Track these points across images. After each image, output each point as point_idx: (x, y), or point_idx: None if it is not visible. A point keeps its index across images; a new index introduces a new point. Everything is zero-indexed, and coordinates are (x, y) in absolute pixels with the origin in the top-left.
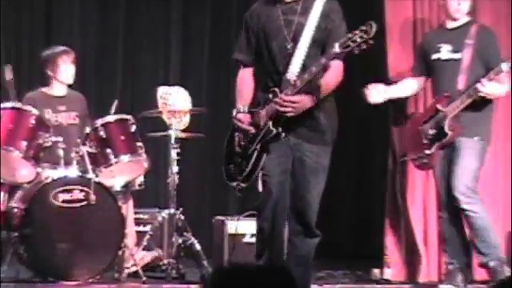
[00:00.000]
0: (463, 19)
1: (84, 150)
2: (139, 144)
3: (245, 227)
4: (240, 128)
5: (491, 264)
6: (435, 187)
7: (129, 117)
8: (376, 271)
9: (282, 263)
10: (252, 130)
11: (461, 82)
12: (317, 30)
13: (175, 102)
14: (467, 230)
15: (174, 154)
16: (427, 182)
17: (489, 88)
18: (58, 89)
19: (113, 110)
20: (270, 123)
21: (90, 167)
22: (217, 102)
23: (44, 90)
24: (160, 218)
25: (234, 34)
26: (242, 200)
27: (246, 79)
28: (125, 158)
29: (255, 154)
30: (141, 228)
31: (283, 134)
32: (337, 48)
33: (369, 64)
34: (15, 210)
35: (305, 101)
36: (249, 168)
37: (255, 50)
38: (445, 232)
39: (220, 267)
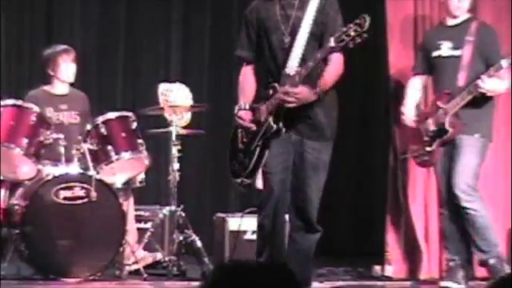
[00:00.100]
0: (463, 16)
1: (85, 147)
2: (140, 141)
3: (246, 224)
4: (242, 125)
5: (491, 262)
6: (436, 184)
7: (130, 114)
8: (377, 268)
9: (282, 260)
10: (253, 126)
11: (461, 79)
12: (314, 23)
13: (176, 99)
14: (467, 228)
15: (174, 151)
16: (428, 179)
17: (489, 84)
18: (59, 87)
19: None
20: (271, 119)
21: (90, 164)
22: (218, 99)
23: (46, 88)
24: (161, 215)
25: (235, 33)
26: (243, 197)
27: (248, 76)
28: (126, 155)
29: (257, 151)
30: (142, 225)
31: (284, 130)
32: (332, 42)
33: (369, 61)
34: (16, 207)
35: (305, 92)
36: (252, 164)
37: (256, 46)
38: (446, 229)
39: (221, 264)
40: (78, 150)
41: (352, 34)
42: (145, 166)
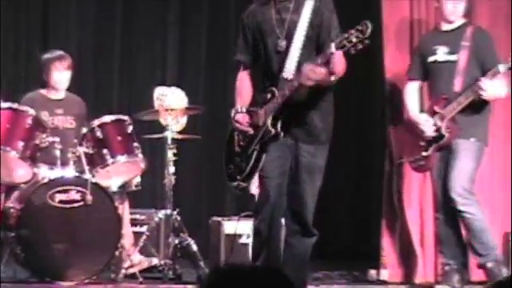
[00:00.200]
0: (459, 21)
1: (81, 150)
2: (136, 144)
3: (241, 228)
4: (239, 129)
5: (489, 265)
6: (432, 188)
7: (125, 117)
8: (372, 272)
9: (278, 264)
10: (250, 130)
11: (457, 84)
12: (309, 26)
13: (171, 103)
14: (463, 232)
15: (170, 154)
16: (424, 183)
17: (490, 88)
18: (55, 92)
19: None
20: (269, 123)
21: (86, 168)
22: (214, 102)
23: (43, 92)
24: (157, 219)
25: (232, 35)
26: (239, 201)
27: (245, 80)
28: (121, 158)
29: (255, 154)
30: (137, 229)
31: (282, 134)
32: (333, 48)
33: (365, 65)
34: (12, 210)
35: (327, 72)
36: (249, 168)
37: (252, 50)
38: (441, 233)
39: (217, 268)
40: (73, 153)
41: (354, 40)
42: (140, 170)
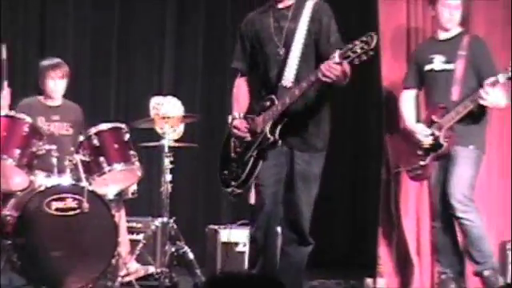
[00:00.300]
0: (455, 30)
1: (77, 158)
2: (132, 152)
3: (238, 236)
4: (236, 135)
5: (486, 273)
6: (428, 197)
7: (122, 125)
8: (369, 280)
9: (274, 272)
10: (248, 136)
11: (455, 93)
12: (307, 34)
13: (168, 111)
14: (460, 239)
15: (167, 162)
16: (420, 192)
17: (491, 96)
18: (51, 99)
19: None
20: (267, 130)
21: (83, 175)
22: (211, 109)
23: (40, 98)
24: (153, 227)
25: (229, 41)
26: (235, 209)
27: (242, 87)
28: (118, 166)
29: (251, 161)
30: (134, 236)
31: (280, 142)
32: (337, 58)
33: (362, 74)
34: (8, 217)
35: (345, 67)
36: (245, 174)
37: (250, 58)
38: (438, 242)
39: (213, 276)
40: (70, 161)
41: (358, 51)
42: (137, 178)
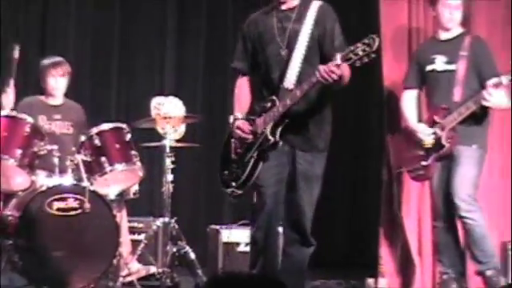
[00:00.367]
0: (456, 30)
1: (79, 158)
2: (134, 152)
3: (239, 236)
4: (238, 136)
5: (488, 273)
6: (430, 197)
7: (124, 125)
8: (370, 280)
9: (275, 272)
10: (250, 137)
11: (457, 94)
12: (311, 36)
13: (169, 111)
14: (462, 239)
15: (168, 162)
16: (422, 192)
17: (494, 97)
18: (52, 98)
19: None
20: (268, 131)
21: (84, 175)
22: (212, 109)
23: (41, 97)
24: (154, 227)
25: (230, 42)
26: (237, 209)
27: (243, 87)
28: (119, 166)
29: (252, 162)
30: (135, 237)
31: (281, 143)
32: (338, 60)
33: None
34: (10, 217)
35: (344, 68)
36: (245, 175)
37: (252, 59)
38: (440, 242)
39: (214, 276)
40: (71, 161)
41: (360, 53)
42: (138, 178)
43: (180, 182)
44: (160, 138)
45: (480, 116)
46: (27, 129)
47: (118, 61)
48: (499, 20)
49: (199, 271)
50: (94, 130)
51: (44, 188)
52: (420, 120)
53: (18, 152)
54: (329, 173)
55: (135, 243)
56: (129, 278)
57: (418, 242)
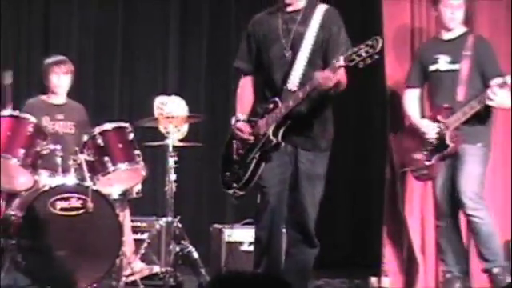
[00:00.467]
0: (459, 29)
1: (82, 157)
2: (137, 152)
3: (242, 235)
4: (239, 137)
5: (494, 271)
6: (433, 196)
7: (126, 125)
8: (374, 280)
9: (279, 270)
10: (251, 139)
11: (460, 94)
12: (316, 40)
13: (172, 110)
14: (465, 238)
15: (171, 162)
16: (425, 191)
17: (499, 97)
18: (55, 98)
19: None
20: (271, 133)
21: (87, 175)
22: (215, 109)
23: (43, 97)
24: (158, 226)
25: (233, 42)
26: (240, 208)
27: (246, 88)
28: (122, 166)
29: (253, 163)
30: (138, 236)
31: (283, 144)
32: (341, 61)
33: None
34: (13, 217)
35: (340, 76)
36: (246, 176)
37: (256, 59)
38: (443, 241)
39: (218, 275)
40: (74, 160)
41: (363, 54)
42: (141, 177)
43: (183, 182)
44: (163, 137)
45: (484, 115)
46: (30, 128)
47: (121, 61)
48: (502, 20)
49: (202, 270)
50: (97, 130)
51: (47, 188)
52: (422, 118)
53: (21, 152)
54: (331, 171)
55: (138, 242)
56: (132, 278)
57: (421, 241)
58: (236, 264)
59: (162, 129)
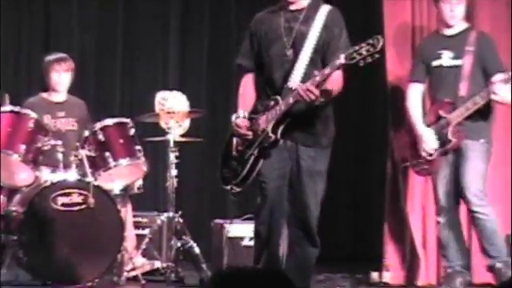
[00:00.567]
0: (460, 25)
1: (83, 153)
2: (138, 147)
3: (243, 230)
4: (238, 133)
5: (498, 266)
6: (433, 191)
7: (127, 120)
8: (375, 274)
9: (279, 265)
10: (250, 135)
11: (463, 89)
12: (318, 40)
13: (173, 106)
14: (465, 233)
15: (172, 157)
16: (426, 187)
17: (503, 92)
18: (56, 95)
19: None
20: (270, 129)
21: (88, 171)
22: (216, 105)
23: (44, 95)
24: (159, 222)
25: (233, 39)
26: (241, 203)
27: (248, 85)
28: (124, 161)
29: (252, 159)
30: (140, 231)
31: (281, 141)
32: (342, 59)
33: (367, 69)
34: (14, 213)
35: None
36: (244, 172)
37: (257, 57)
38: (443, 236)
39: (219, 270)
40: (75, 156)
41: (364, 53)
42: (143, 173)
43: (184, 177)
44: (164, 132)
45: (486, 111)
46: (31, 124)
47: (122, 61)
48: (502, 16)
49: (204, 266)
50: (98, 125)
51: (48, 183)
52: (424, 113)
53: (22, 147)
54: (332, 168)
55: (140, 238)
56: (133, 273)
57: (422, 236)
58: (237, 259)
59: (163, 124)
